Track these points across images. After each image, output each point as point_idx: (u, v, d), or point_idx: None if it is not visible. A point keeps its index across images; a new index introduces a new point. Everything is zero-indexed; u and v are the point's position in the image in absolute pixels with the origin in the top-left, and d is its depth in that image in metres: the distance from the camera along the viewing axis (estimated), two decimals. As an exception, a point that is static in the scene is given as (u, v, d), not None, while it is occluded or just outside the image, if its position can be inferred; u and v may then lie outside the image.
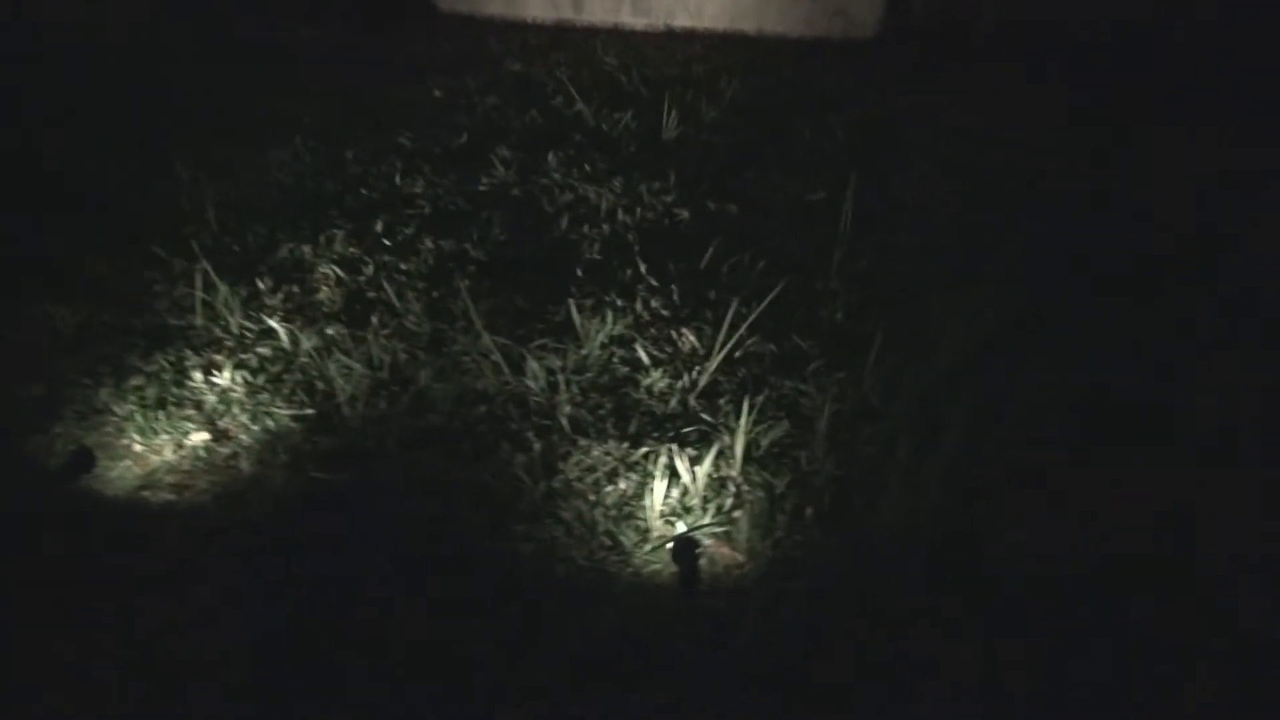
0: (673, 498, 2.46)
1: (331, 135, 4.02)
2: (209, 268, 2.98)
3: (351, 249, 3.31)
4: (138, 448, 2.58)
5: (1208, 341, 2.89)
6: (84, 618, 2.14)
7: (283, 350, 2.85)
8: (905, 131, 3.90)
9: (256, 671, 2.05)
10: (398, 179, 3.72)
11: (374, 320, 2.99)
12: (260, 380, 2.77)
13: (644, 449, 2.57)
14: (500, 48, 5.29)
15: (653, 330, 2.96)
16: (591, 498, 2.48)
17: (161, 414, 2.66)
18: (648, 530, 2.38)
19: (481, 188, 3.69)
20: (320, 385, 2.75)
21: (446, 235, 3.39)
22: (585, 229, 3.43)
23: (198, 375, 2.75)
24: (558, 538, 2.37)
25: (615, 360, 2.88)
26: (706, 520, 2.40)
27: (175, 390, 2.74)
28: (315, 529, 2.36)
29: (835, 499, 2.47)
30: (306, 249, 3.30)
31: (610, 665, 2.09)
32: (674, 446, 2.58)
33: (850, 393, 2.71)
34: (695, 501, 2.45)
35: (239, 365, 2.83)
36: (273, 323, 2.91)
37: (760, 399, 2.73)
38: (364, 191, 3.67)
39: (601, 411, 2.71)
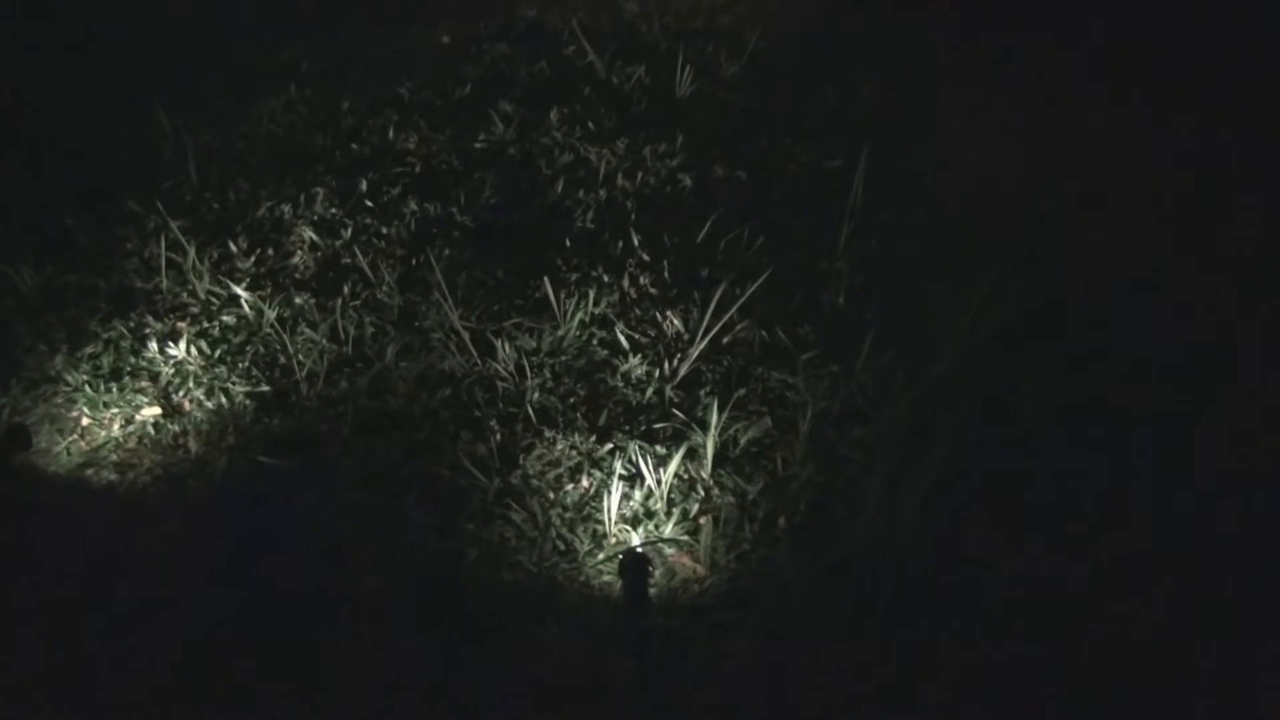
0: (635, 500, 2.31)
1: (330, 83, 3.88)
2: (175, 228, 2.87)
3: (333, 209, 3.20)
4: (86, 421, 2.53)
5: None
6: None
7: (246, 320, 2.75)
8: (939, 95, 3.62)
9: (169, 678, 1.98)
10: (391, 133, 3.57)
11: (345, 290, 2.87)
12: (218, 352, 2.68)
13: (609, 445, 2.42)
14: (521, -10, 5.07)
15: (637, 311, 2.80)
16: (550, 495, 2.36)
17: (114, 385, 2.59)
18: (604, 536, 2.25)
19: (478, 145, 3.53)
20: (282, 360, 2.64)
21: (434, 197, 3.26)
22: (581, 194, 3.25)
23: (153, 345, 2.64)
24: (508, 540, 2.27)
25: (594, 343, 2.72)
26: (669, 527, 2.25)
27: (132, 360, 2.66)
28: (255, 521, 2.28)
29: (811, 509, 2.31)
30: (286, 208, 3.20)
31: (543, 689, 1.98)
32: (642, 443, 2.42)
33: (842, 389, 2.52)
34: (659, 506, 2.30)
35: (201, 334, 2.76)
36: (239, 290, 2.81)
37: (743, 392, 2.55)
38: (354, 146, 3.54)
39: (573, 400, 2.58)
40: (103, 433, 2.51)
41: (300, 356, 2.65)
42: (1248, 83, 3.45)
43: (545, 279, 2.69)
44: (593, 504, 2.33)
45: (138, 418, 2.54)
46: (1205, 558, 2.18)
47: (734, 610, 2.12)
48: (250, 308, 2.79)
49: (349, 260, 2.97)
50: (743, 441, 2.46)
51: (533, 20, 4.37)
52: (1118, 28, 3.75)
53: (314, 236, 3.05)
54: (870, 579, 2.12)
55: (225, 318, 2.81)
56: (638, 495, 2.34)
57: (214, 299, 2.87)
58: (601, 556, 2.23)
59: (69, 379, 2.62)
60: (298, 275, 2.97)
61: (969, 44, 3.81)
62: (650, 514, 2.32)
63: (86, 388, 2.58)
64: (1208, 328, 2.69)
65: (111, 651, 2.04)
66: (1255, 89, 3.42)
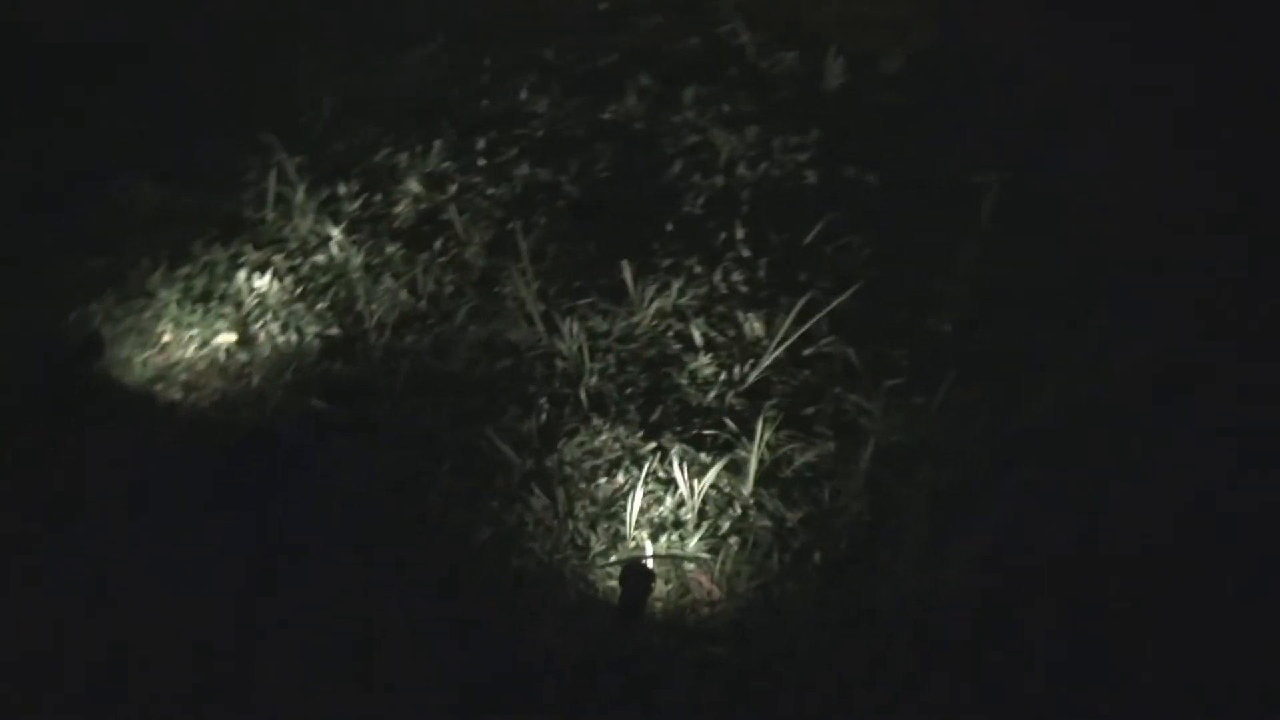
0: (666, 507, 2.22)
1: (478, 39, 3.92)
2: (293, 164, 2.96)
3: (446, 163, 3.22)
4: (167, 338, 2.66)
5: None
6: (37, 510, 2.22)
7: (334, 262, 2.82)
8: (1106, 120, 3.28)
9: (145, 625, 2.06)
10: (524, 94, 3.58)
11: (436, 245, 2.89)
12: (300, 290, 2.76)
13: (652, 444, 2.33)
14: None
15: (721, 308, 2.68)
16: (581, 486, 2.30)
17: (200, 307, 2.71)
18: (622, 538, 2.16)
19: (606, 115, 3.48)
20: (359, 306, 2.69)
21: (547, 163, 3.24)
22: (696, 178, 3.15)
23: (242, 274, 2.74)
24: (525, 525, 2.23)
25: (669, 334, 2.63)
26: (694, 541, 2.14)
27: (222, 285, 2.77)
28: (290, 465, 2.32)
29: (853, 549, 2.14)
30: (403, 157, 3.25)
31: (514, 692, 1.92)
32: (687, 447, 2.31)
33: (921, 424, 2.32)
34: (690, 517, 2.20)
35: (291, 270, 2.84)
36: (334, 231, 2.88)
37: (811, 410, 2.40)
38: (485, 103, 3.56)
39: (630, 390, 2.49)
40: (179, 352, 2.63)
41: (374, 305, 2.68)
42: None
43: (624, 262, 2.60)
44: (622, 502, 2.25)
45: (214, 341, 2.65)
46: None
47: (736, 642, 1.98)
48: (340, 250, 2.84)
49: (446, 216, 2.98)
50: (797, 463, 2.30)
51: (696, -8, 4.27)
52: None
53: (419, 188, 3.08)
54: (893, 637, 1.94)
55: (317, 257, 2.90)
56: (669, 502, 2.23)
57: (313, 237, 2.95)
58: (614, 559, 2.14)
59: (161, 295, 2.76)
60: (395, 225, 3.02)
61: (1148, 66, 3.43)
62: (679, 524, 2.22)
63: (174, 306, 2.72)
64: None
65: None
66: None
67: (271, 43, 3.85)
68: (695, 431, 2.40)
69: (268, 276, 2.79)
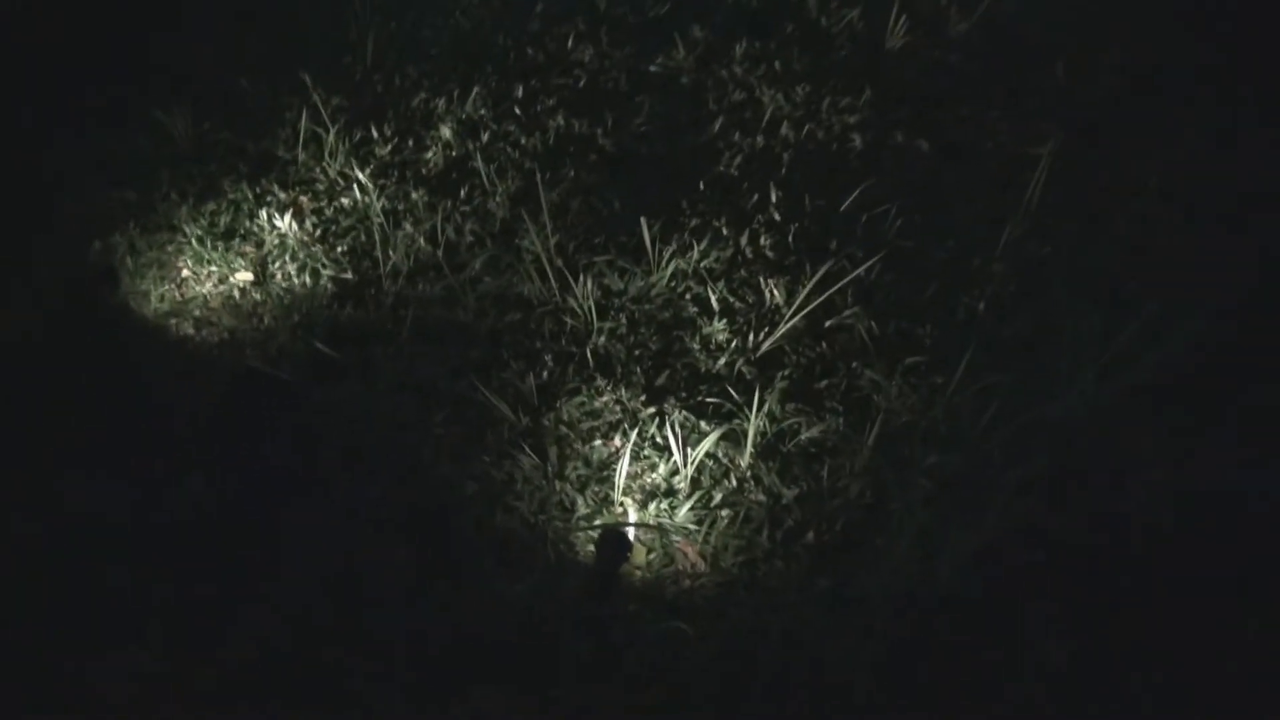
0: (659, 473, 2.18)
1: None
2: (329, 104, 2.98)
3: (483, 110, 3.20)
4: (186, 273, 2.71)
5: None
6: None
7: (358, 205, 2.82)
8: (1182, 103, 3.07)
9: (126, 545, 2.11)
10: (570, 42, 3.52)
11: (461, 193, 2.87)
12: (321, 232, 2.77)
13: (652, 408, 2.29)
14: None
15: (743, 272, 2.61)
16: (575, 447, 2.26)
17: (222, 244, 2.75)
18: (611, 503, 2.14)
19: (652, 68, 3.40)
20: (376, 252, 2.69)
21: (585, 115, 3.19)
22: (736, 136, 3.07)
23: (265, 213, 2.78)
24: (514, 482, 2.21)
25: (686, 296, 2.57)
26: (684, 511, 2.11)
27: (246, 223, 2.81)
28: (286, 406, 2.34)
29: (848, 532, 2.08)
30: (440, 102, 3.23)
31: (480, 649, 1.92)
32: (689, 414, 2.26)
33: (935, 406, 2.23)
34: (683, 485, 2.15)
35: (315, 211, 2.85)
36: (360, 175, 2.89)
37: (824, 384, 2.33)
38: (530, 51, 3.52)
39: (639, 353, 2.45)
40: (196, 288, 2.68)
41: (391, 251, 2.68)
42: None
43: (643, 220, 2.54)
44: (615, 466, 2.21)
45: (231, 279, 2.69)
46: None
47: (713, 618, 1.94)
48: (364, 194, 2.85)
49: (475, 164, 2.96)
50: (801, 437, 2.24)
51: (763, -57, 4.14)
52: None
53: (451, 135, 3.07)
54: (876, 628, 1.88)
55: (343, 200, 2.91)
56: (662, 469, 2.19)
57: (341, 180, 2.96)
58: (598, 524, 2.11)
59: (186, 230, 2.81)
60: (424, 171, 3.02)
61: (1236, 50, 3.20)
62: (670, 492, 2.18)
63: (196, 242, 2.76)
64: None
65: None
66: None
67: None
68: (699, 398, 2.35)
69: (289, 217, 2.80)
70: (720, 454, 2.24)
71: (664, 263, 2.61)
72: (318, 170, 3.03)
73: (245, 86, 3.35)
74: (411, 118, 3.24)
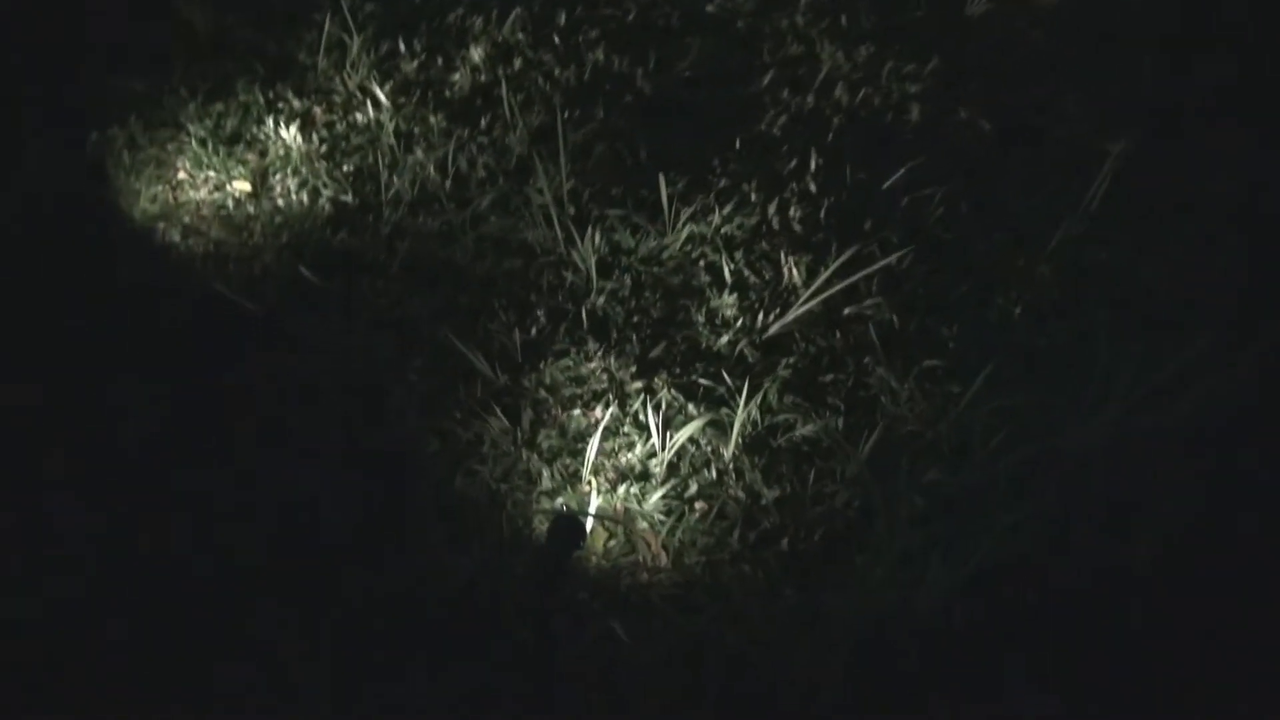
0: (636, 454, 2.06)
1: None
2: (351, 11, 2.85)
3: (519, 35, 3.04)
4: (182, 175, 2.63)
5: None
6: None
7: (370, 124, 2.71)
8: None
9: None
10: (625, -29, 3.34)
11: (481, 123, 2.74)
12: (327, 148, 2.67)
13: (641, 382, 2.17)
14: None
15: (765, 244, 2.46)
16: (553, 413, 2.16)
17: (223, 149, 2.66)
18: (578, 480, 2.03)
19: (709, 8, 3.21)
20: (382, 176, 2.59)
21: (627, 52, 3.02)
22: (785, 94, 2.88)
23: (271, 121, 2.68)
24: (480, 445, 2.12)
25: (699, 264, 2.43)
26: (654, 498, 1.99)
27: (252, 129, 2.72)
28: (258, 333, 2.27)
29: (828, 545, 1.95)
30: (477, 20, 3.09)
31: (413, 616, 1.84)
32: (676, 394, 2.14)
33: (946, 417, 2.08)
34: (658, 470, 2.04)
35: (326, 126, 2.75)
36: (379, 91, 2.77)
37: (829, 378, 2.18)
38: (582, -24, 3.34)
39: (638, 319, 2.32)
40: (191, 192, 2.61)
41: (397, 177, 2.57)
42: None
43: (661, 175, 2.39)
44: (589, 440, 2.09)
45: (228, 188, 2.60)
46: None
47: (661, 618, 1.84)
48: (378, 111, 2.73)
49: (500, 93, 2.82)
50: (795, 434, 2.10)
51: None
52: None
53: (481, 58, 2.92)
54: (838, 651, 1.76)
55: (357, 115, 2.80)
56: (639, 450, 2.08)
57: (358, 94, 2.85)
58: (560, 502, 2.01)
59: (190, 129, 2.73)
60: (447, 94, 2.89)
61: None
62: (645, 475, 2.07)
63: (197, 143, 2.68)
64: None
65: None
66: None
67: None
68: (693, 378, 2.22)
69: (295, 128, 2.70)
70: (704, 441, 2.11)
71: (680, 224, 2.46)
72: (336, 81, 2.92)
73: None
74: (444, 34, 3.10)
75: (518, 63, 2.99)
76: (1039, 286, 2.35)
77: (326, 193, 2.61)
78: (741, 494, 2.04)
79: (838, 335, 2.30)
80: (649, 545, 1.99)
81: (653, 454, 2.10)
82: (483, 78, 2.95)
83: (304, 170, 2.66)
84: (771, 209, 2.56)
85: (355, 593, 1.90)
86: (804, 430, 2.12)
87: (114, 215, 2.54)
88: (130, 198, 2.59)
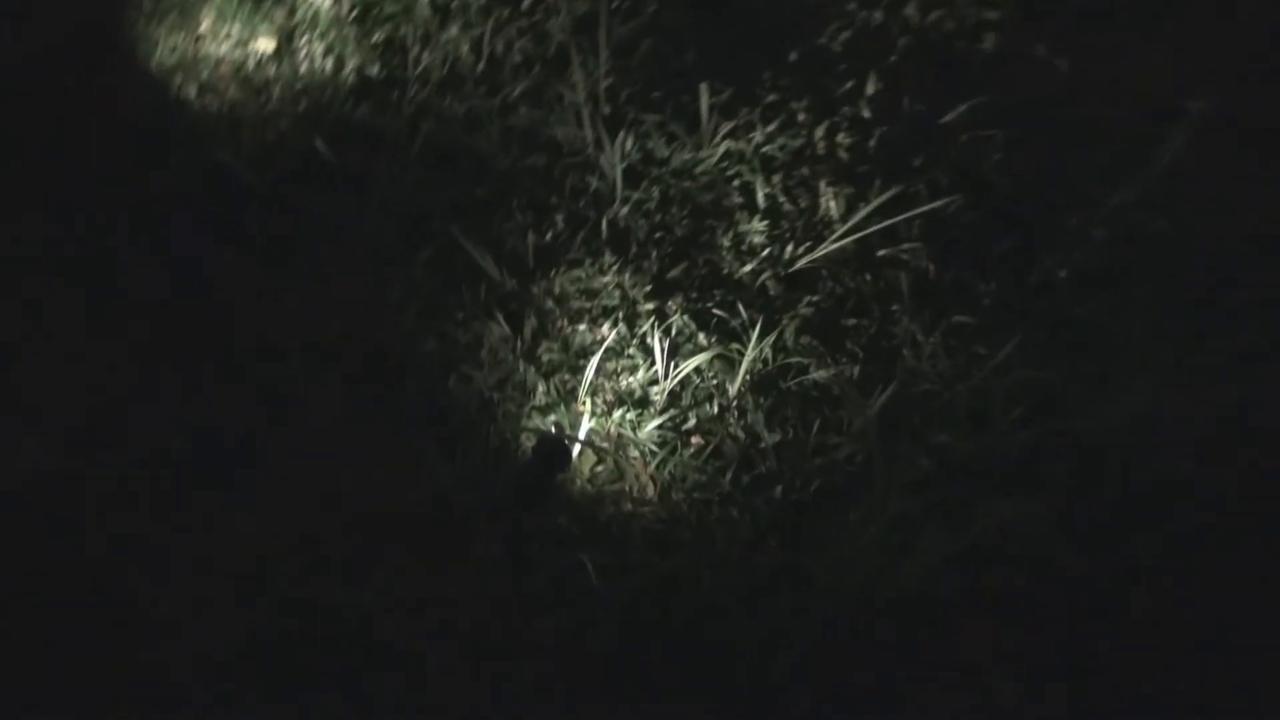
0: (637, 378, 2.03)
1: None
2: None
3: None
4: (203, 28, 2.56)
5: None
6: None
7: (411, -9, 2.63)
8: None
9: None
10: None
11: (525, 3, 2.64)
12: (359, 14, 2.58)
13: (654, 303, 2.11)
14: None
15: (805, 170, 2.36)
16: (558, 325, 2.12)
17: (250, 3, 2.58)
18: (574, 398, 2.00)
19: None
20: (413, 51, 2.50)
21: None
22: (853, 5, 2.73)
23: (304, -21, 2.61)
24: (477, 348, 2.09)
25: (733, 183, 2.34)
26: (650, 427, 1.96)
27: (283, -14, 2.64)
28: (263, 205, 2.23)
29: (821, 500, 1.91)
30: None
31: (384, 523, 1.84)
32: (688, 320, 2.09)
33: (966, 380, 2.02)
34: (658, 398, 2.00)
35: (365, -14, 2.66)
36: (422, -46, 2.66)
37: (853, 323, 2.12)
38: None
39: (660, 235, 2.26)
40: (212, 46, 2.56)
41: (428, 53, 2.49)
42: None
43: (703, 85, 2.29)
44: (589, 358, 2.05)
45: (251, 46, 2.54)
46: None
47: (637, 553, 1.82)
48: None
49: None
50: (807, 379, 2.04)
51: None
52: None
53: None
54: (810, 613, 1.74)
55: (400, -22, 2.69)
56: (642, 375, 2.04)
57: (402, -48, 2.74)
58: (551, 419, 1.98)
59: (215, -20, 2.65)
60: (498, -35, 2.76)
61: None
62: (644, 402, 2.03)
63: (221, -4, 2.60)
64: None
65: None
66: None
67: None
68: (709, 305, 2.16)
69: (331, -12, 2.62)
70: (710, 374, 2.07)
71: (719, 138, 2.37)
72: (384, -64, 2.80)
73: None
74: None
75: (576, -60, 2.85)
76: (1088, 251, 2.24)
77: (352, 62, 2.53)
78: (741, 434, 2.01)
79: (868, 277, 2.23)
80: (638, 475, 1.96)
81: (655, 381, 2.06)
82: (536, -48, 2.83)
83: (331, 35, 2.59)
84: (819, 132, 2.46)
85: (335, 489, 1.90)
86: (816, 375, 2.06)
87: (129, 63, 2.49)
88: (148, 46, 2.54)
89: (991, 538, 1.82)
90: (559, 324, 2.15)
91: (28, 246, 2.17)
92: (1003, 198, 2.33)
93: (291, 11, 2.63)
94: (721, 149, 2.37)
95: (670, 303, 2.17)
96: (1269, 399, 1.93)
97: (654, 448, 1.99)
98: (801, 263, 2.22)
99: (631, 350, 2.11)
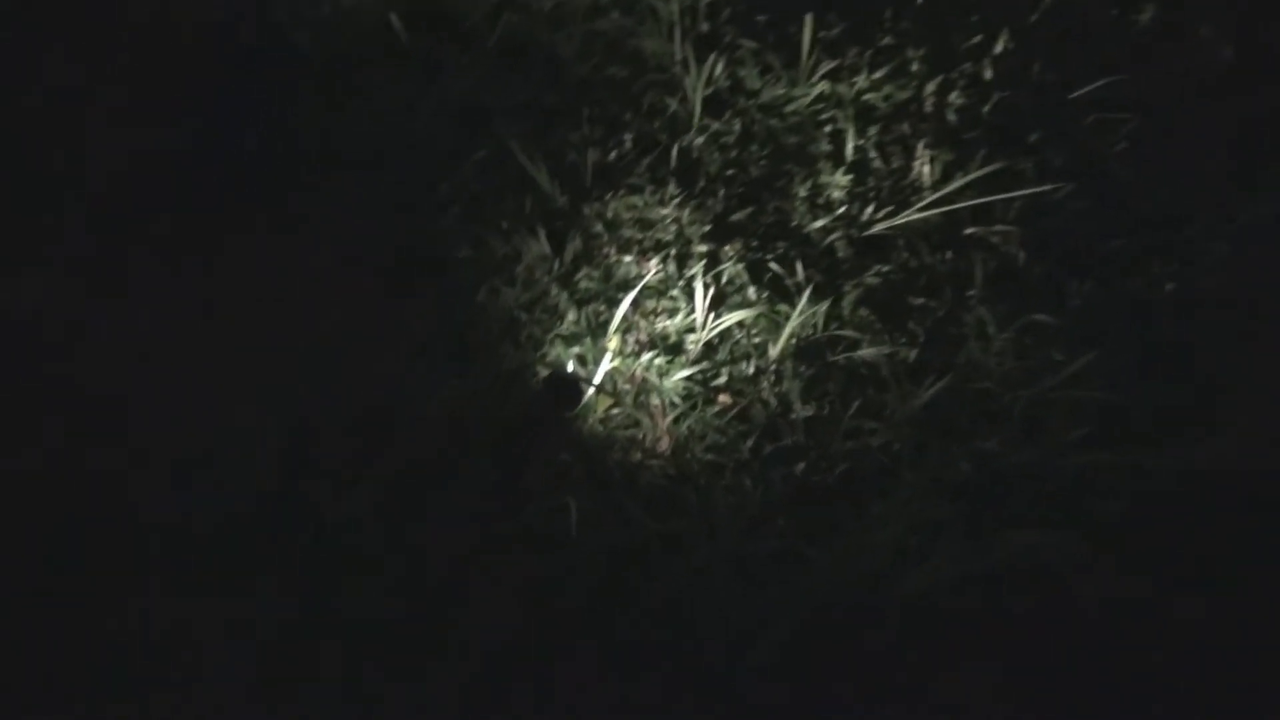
0: (674, 323, 1.93)
1: None
2: None
3: None
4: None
5: None
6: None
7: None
8: None
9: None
10: None
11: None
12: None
13: (710, 245, 2.01)
14: None
15: (905, 126, 2.21)
16: (604, 252, 2.03)
17: None
18: (603, 333, 1.92)
19: None
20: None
21: None
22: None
23: None
24: (513, 262, 2.02)
25: (823, 128, 2.20)
26: (676, 377, 1.87)
27: None
28: (315, 79, 2.18)
29: (845, 484, 1.81)
30: None
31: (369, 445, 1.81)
32: (741, 269, 1.98)
33: (1027, 387, 1.87)
34: (692, 348, 1.91)
35: None
36: None
37: (920, 302, 1.98)
38: None
39: (732, 172, 2.14)
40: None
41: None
42: None
43: (809, 16, 2.13)
44: (626, 292, 1.96)
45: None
46: None
47: (624, 508, 1.75)
48: None
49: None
50: (857, 354, 1.92)
51: None
52: None
53: None
54: (792, 607, 1.65)
55: None
56: (679, 320, 1.94)
57: None
58: (575, 350, 1.91)
59: None
60: None
61: None
62: (676, 348, 1.93)
63: None
64: None
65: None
66: None
67: None
68: (767, 257, 2.04)
69: None
70: (754, 331, 1.96)
71: (818, 76, 2.21)
72: None
73: None
74: None
75: None
76: (1205, 267, 2.04)
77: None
78: (773, 400, 1.90)
79: (948, 255, 2.08)
80: (655, 425, 1.88)
81: (692, 329, 1.96)
82: None
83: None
84: (929, 87, 2.29)
85: (338, 391, 1.87)
86: (867, 351, 1.94)
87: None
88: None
89: (1023, 560, 1.70)
90: (604, 251, 2.06)
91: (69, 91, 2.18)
92: (1120, 192, 2.14)
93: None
94: (818, 89, 2.22)
95: (727, 247, 2.06)
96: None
97: (677, 399, 1.90)
98: (879, 227, 2.08)
99: (675, 292, 2.01)
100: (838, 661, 1.67)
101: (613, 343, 1.93)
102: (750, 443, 1.86)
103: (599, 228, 2.08)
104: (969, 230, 2.09)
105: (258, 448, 1.82)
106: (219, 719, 1.63)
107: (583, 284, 2.02)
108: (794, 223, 2.11)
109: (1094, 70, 2.24)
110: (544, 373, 1.91)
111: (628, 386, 1.91)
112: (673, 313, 1.99)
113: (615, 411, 1.89)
